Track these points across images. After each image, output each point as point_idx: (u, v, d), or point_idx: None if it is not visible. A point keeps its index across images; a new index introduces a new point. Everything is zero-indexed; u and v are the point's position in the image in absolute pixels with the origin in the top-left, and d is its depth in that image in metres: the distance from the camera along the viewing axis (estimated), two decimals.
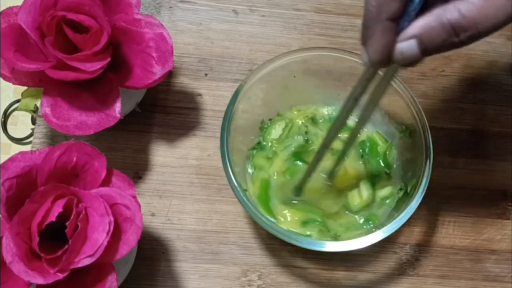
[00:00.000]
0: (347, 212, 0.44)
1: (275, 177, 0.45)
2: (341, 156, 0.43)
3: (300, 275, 0.45)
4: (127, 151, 0.48)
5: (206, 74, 0.51)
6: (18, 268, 0.33)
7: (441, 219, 0.48)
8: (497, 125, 0.51)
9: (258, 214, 0.40)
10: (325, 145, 0.41)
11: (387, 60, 0.31)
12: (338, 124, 0.40)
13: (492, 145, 0.51)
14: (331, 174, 0.45)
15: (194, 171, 0.48)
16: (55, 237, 0.35)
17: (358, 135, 0.43)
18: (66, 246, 0.33)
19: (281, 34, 0.53)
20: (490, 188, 0.49)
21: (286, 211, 0.44)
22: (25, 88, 0.43)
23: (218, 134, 0.42)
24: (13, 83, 0.41)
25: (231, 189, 0.40)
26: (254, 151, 0.46)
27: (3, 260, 0.33)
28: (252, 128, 0.47)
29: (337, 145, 0.43)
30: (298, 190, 0.44)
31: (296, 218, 0.44)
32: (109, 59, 0.40)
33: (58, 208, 0.34)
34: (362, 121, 0.40)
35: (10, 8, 0.41)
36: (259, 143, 0.47)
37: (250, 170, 0.46)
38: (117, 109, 0.42)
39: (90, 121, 0.41)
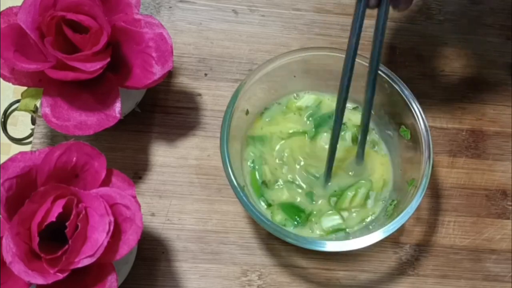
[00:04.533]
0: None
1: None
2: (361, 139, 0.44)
3: (300, 275, 0.45)
4: (127, 151, 0.48)
5: (206, 74, 0.51)
6: (18, 268, 0.33)
7: (441, 219, 0.48)
8: (497, 125, 0.51)
9: (258, 214, 0.40)
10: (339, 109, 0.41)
11: None
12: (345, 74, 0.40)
13: (492, 145, 0.51)
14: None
15: (194, 171, 0.47)
16: (55, 237, 0.35)
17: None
18: (66, 246, 0.33)
19: (281, 34, 0.53)
20: (490, 188, 0.49)
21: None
22: (25, 88, 0.43)
23: (218, 134, 0.42)
24: (13, 83, 0.41)
25: (231, 189, 0.40)
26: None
27: (3, 260, 0.33)
28: None
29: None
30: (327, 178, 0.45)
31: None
32: (108, 59, 0.40)
33: (58, 208, 0.34)
34: (371, 84, 0.41)
35: (10, 8, 0.41)
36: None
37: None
38: (117, 109, 0.42)
39: (90, 121, 0.41)
